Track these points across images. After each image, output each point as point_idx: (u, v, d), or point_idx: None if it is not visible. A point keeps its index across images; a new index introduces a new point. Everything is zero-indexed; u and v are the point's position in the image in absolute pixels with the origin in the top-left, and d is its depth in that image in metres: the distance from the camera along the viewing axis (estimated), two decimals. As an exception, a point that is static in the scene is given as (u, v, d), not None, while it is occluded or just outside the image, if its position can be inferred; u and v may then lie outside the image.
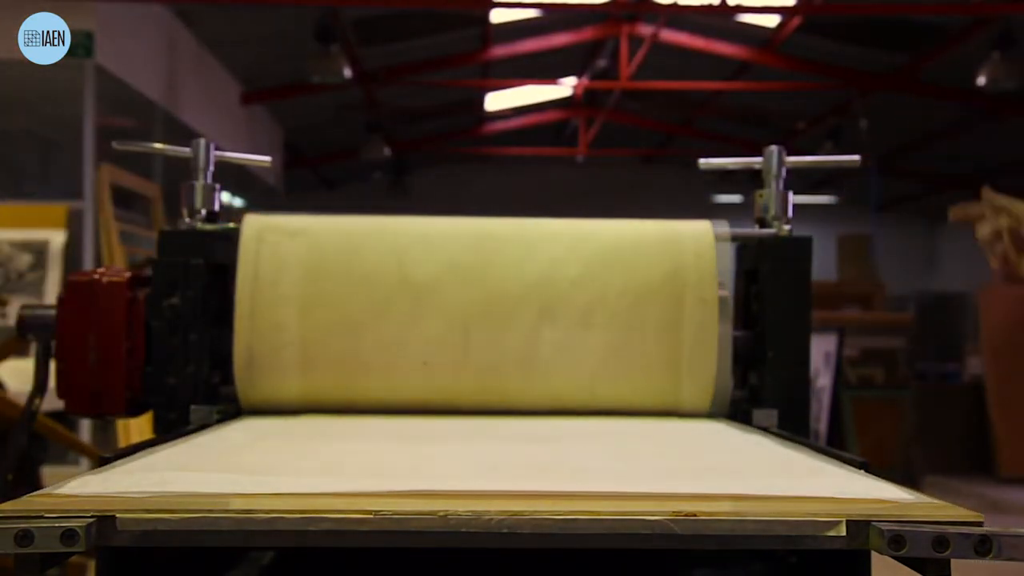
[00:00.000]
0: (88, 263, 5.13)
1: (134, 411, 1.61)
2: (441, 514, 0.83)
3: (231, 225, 1.67)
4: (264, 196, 9.70)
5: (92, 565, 0.91)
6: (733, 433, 1.49)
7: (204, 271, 1.62)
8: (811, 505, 0.94)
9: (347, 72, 7.33)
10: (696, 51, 9.03)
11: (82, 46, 5.29)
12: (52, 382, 1.56)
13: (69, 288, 1.56)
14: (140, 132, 6.63)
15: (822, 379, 6.24)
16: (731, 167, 1.85)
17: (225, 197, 1.75)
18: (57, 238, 4.90)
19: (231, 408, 1.60)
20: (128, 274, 1.58)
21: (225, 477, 0.99)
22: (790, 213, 1.70)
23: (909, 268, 13.75)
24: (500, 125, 12.21)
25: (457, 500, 0.90)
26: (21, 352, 2.50)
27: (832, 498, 0.97)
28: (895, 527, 0.82)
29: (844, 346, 6.55)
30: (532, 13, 8.50)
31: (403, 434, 1.43)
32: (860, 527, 0.84)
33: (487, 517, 0.83)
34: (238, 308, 1.60)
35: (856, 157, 1.79)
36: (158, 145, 1.81)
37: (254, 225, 1.66)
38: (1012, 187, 11.89)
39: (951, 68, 8.24)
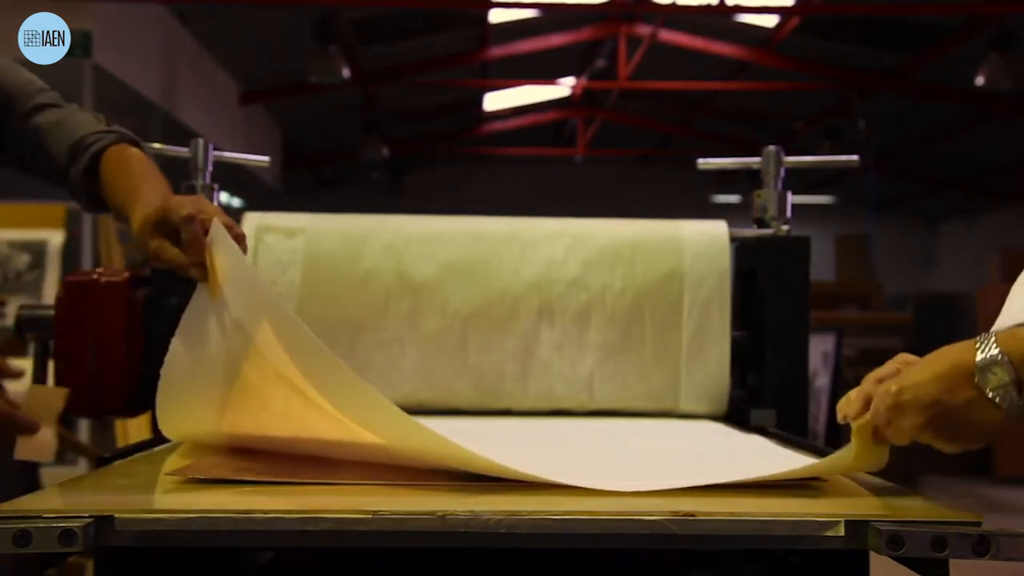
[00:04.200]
0: (87, 263, 5.12)
1: (133, 411, 1.61)
2: (440, 514, 0.83)
3: (229, 225, 1.67)
4: (262, 196, 9.69)
5: (90, 565, 0.91)
6: (731, 433, 1.49)
7: (203, 271, 1.62)
8: (809, 505, 0.94)
9: (345, 72, 7.32)
10: (695, 51, 9.01)
11: (80, 46, 5.29)
12: (51, 382, 1.56)
13: (67, 288, 1.56)
14: (138, 132, 6.56)
15: (820, 379, 6.23)
16: (729, 167, 1.85)
17: (224, 197, 1.75)
18: (55, 238, 4.89)
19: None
20: (127, 274, 1.58)
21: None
22: (788, 213, 1.70)
23: (907, 268, 13.74)
24: (498, 125, 12.19)
25: (455, 496, 0.90)
26: (19, 352, 2.49)
27: (830, 498, 0.97)
28: (893, 527, 0.82)
29: (842, 346, 6.54)
30: (530, 13, 8.49)
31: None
32: (858, 527, 0.84)
33: (485, 517, 0.83)
34: (237, 308, 1.60)
35: (854, 157, 1.79)
36: (156, 145, 1.81)
37: (252, 224, 1.66)
38: (1009, 187, 11.91)
39: (949, 68, 8.23)
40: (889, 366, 1.03)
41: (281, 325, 1.07)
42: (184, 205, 1.16)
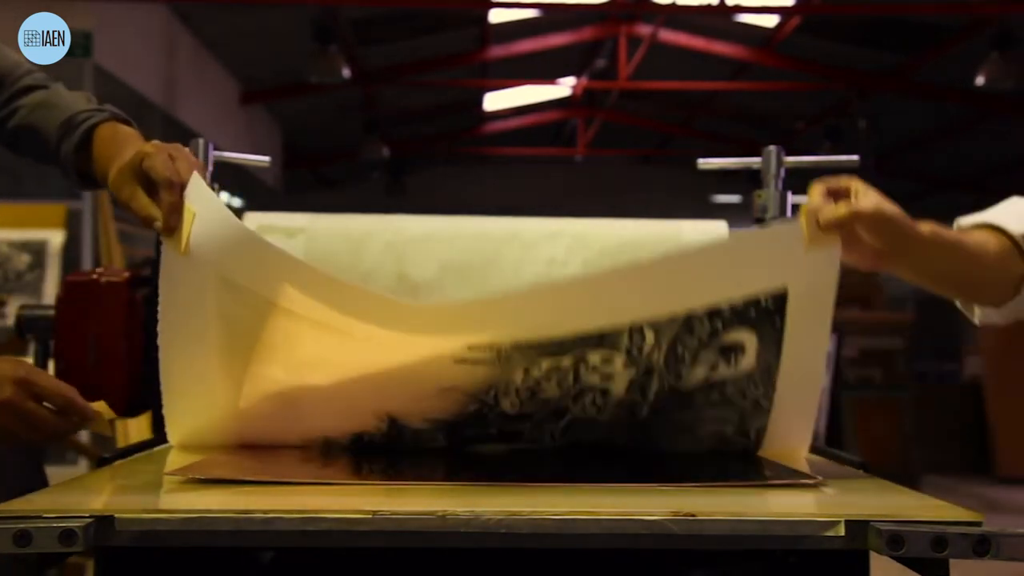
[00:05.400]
0: (87, 263, 5.12)
1: (133, 411, 1.61)
2: (440, 514, 0.83)
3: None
4: (263, 196, 9.68)
5: (91, 565, 0.91)
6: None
7: (203, 271, 1.62)
8: (810, 505, 0.94)
9: (345, 72, 7.32)
10: (695, 51, 9.02)
11: (80, 46, 5.29)
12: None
13: (67, 288, 1.56)
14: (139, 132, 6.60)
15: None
16: (730, 167, 1.85)
17: (224, 197, 1.75)
18: (56, 238, 4.89)
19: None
20: (127, 274, 1.58)
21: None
22: (788, 213, 1.70)
23: (908, 268, 13.72)
24: (499, 125, 12.19)
25: (455, 496, 0.90)
26: (20, 352, 2.50)
27: (831, 498, 0.97)
28: (894, 527, 0.82)
29: (843, 346, 6.54)
30: (530, 13, 8.49)
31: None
32: (859, 527, 0.84)
33: (485, 517, 0.83)
34: (237, 308, 1.60)
35: (855, 157, 1.79)
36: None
37: (253, 224, 1.65)
38: (1009, 188, 11.92)
39: (949, 68, 8.24)
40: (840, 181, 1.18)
41: (278, 262, 1.11)
42: (161, 159, 1.18)
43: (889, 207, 1.15)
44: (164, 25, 6.91)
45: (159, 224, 1.16)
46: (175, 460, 1.14)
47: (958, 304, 1.36)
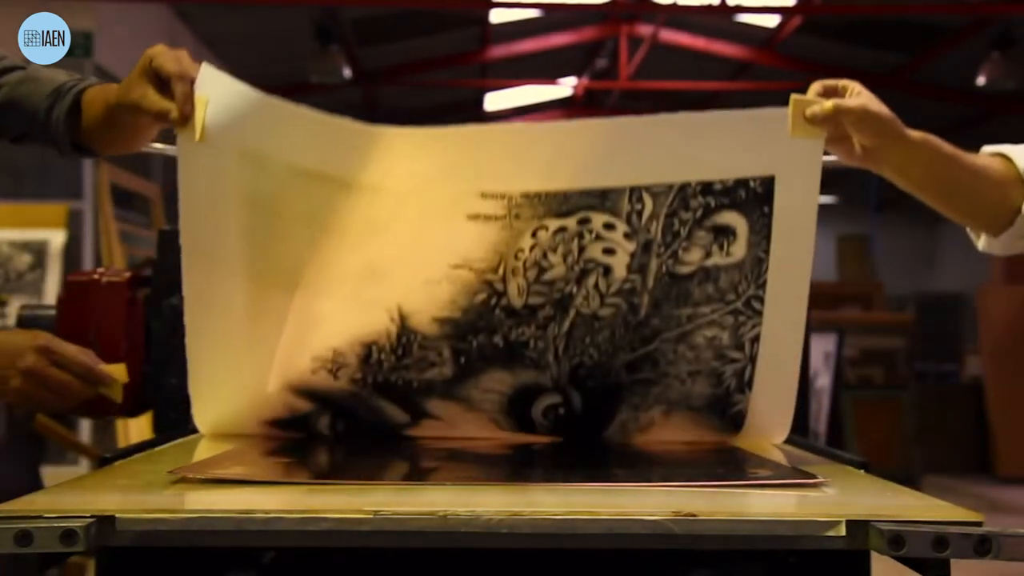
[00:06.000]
0: (88, 263, 5.12)
1: (134, 411, 1.61)
2: (440, 514, 0.83)
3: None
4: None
5: (91, 565, 0.91)
6: None
7: (203, 271, 1.62)
8: (810, 505, 0.94)
9: (346, 72, 7.32)
10: (696, 51, 9.02)
11: (81, 46, 5.29)
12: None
13: (68, 288, 1.56)
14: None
15: (821, 379, 6.23)
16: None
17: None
18: (57, 238, 4.89)
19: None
20: (128, 274, 1.58)
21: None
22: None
23: (908, 268, 13.73)
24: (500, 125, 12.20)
25: (456, 495, 0.90)
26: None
27: (832, 498, 0.97)
28: (895, 527, 0.82)
29: (843, 346, 6.54)
30: (532, 13, 8.49)
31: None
32: (859, 527, 0.84)
33: (486, 517, 0.83)
34: (237, 308, 1.59)
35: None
36: (158, 145, 1.80)
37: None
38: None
39: (950, 68, 8.23)
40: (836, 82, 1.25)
41: (302, 120, 1.17)
42: (170, 56, 1.19)
43: (877, 106, 1.20)
44: (164, 25, 6.91)
45: (174, 114, 1.16)
46: (176, 460, 1.14)
47: (968, 231, 1.36)
